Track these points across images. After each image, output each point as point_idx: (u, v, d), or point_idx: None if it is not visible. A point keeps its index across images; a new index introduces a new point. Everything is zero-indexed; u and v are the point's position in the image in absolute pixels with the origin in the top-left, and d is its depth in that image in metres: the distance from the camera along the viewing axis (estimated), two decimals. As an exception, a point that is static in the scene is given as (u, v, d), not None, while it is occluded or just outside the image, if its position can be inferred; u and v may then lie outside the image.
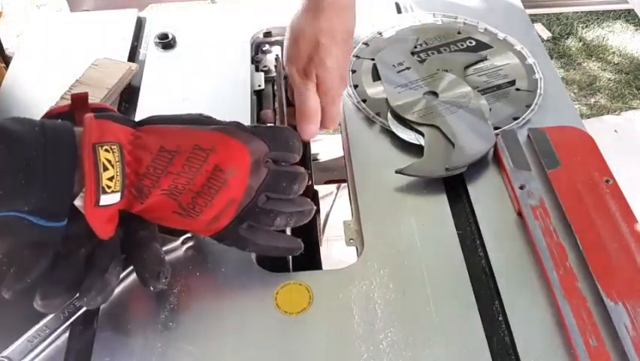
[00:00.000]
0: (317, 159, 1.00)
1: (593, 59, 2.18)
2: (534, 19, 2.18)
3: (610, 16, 2.33)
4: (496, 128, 0.65)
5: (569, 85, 2.07)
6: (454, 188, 0.61)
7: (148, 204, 0.48)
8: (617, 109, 2.01)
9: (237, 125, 0.50)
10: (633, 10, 2.28)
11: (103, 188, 0.45)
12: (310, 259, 0.75)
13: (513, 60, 0.74)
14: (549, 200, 0.57)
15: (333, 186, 1.29)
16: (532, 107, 0.68)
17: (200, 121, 0.51)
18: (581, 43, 2.24)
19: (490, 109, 0.68)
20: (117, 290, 0.53)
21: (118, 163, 0.45)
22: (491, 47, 0.76)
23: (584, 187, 0.58)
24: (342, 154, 0.67)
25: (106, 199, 0.45)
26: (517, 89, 0.70)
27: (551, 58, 1.88)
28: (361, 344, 0.49)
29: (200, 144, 0.48)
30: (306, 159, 0.62)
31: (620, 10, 2.33)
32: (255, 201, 0.50)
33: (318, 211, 0.76)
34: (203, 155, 0.47)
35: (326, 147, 1.01)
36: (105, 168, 0.45)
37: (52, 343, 0.50)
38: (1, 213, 0.44)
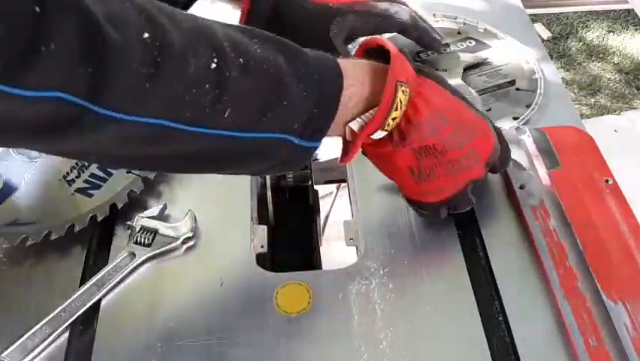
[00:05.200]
0: (317, 159, 1.00)
1: (593, 58, 2.18)
2: (534, 19, 2.18)
3: (610, 16, 2.33)
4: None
5: (569, 85, 2.07)
6: (454, 188, 0.61)
7: (395, 152, 0.49)
8: (617, 109, 2.01)
9: (490, 120, 0.54)
10: (633, 10, 2.28)
11: (385, 125, 0.46)
12: (310, 259, 0.75)
13: (513, 60, 0.74)
14: (549, 200, 0.57)
15: (333, 186, 1.29)
16: (532, 107, 0.68)
17: (462, 97, 0.52)
18: (581, 43, 2.24)
19: (490, 109, 0.68)
20: (117, 290, 0.53)
21: (404, 106, 0.47)
22: (491, 47, 0.76)
23: (584, 187, 0.58)
24: (342, 154, 0.67)
25: (379, 134, 0.47)
26: (517, 89, 0.70)
27: (551, 58, 1.88)
28: (361, 344, 0.49)
29: (468, 122, 0.51)
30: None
31: (620, 10, 2.33)
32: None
33: (318, 211, 0.76)
34: (469, 134, 0.50)
35: (326, 147, 1.01)
36: (396, 109, 0.46)
37: (52, 343, 0.50)
38: (268, 135, 0.42)
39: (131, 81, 0.34)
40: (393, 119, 0.47)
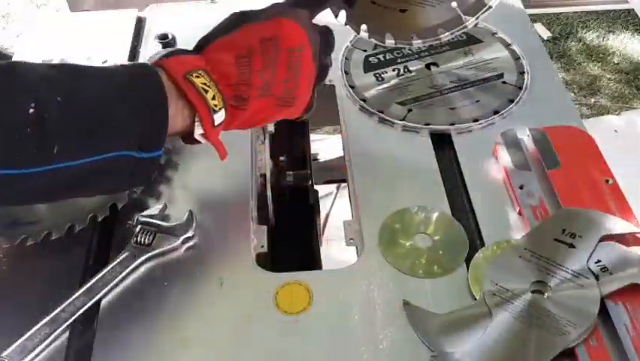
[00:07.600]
0: (317, 159, 1.00)
1: (593, 59, 2.18)
2: (534, 19, 2.17)
3: (610, 16, 2.33)
4: (474, 120, 0.66)
5: (569, 85, 2.07)
6: (455, 188, 0.61)
7: (250, 110, 0.50)
8: (617, 109, 2.01)
9: (277, 5, 0.54)
10: (633, 10, 2.28)
11: (212, 108, 0.47)
12: (310, 259, 0.75)
13: (502, 54, 0.74)
14: (549, 200, 0.57)
15: (333, 186, 1.29)
16: (516, 101, 0.68)
17: (247, 15, 0.53)
18: (581, 43, 2.24)
19: (479, 100, 0.68)
20: (117, 290, 0.53)
21: (212, 83, 0.48)
22: (482, 42, 0.76)
23: (584, 187, 0.58)
24: (342, 154, 0.67)
25: (218, 117, 0.48)
26: (504, 82, 0.71)
27: (551, 58, 1.88)
28: (361, 344, 0.49)
29: (264, 35, 0.51)
30: (306, 159, 0.62)
31: (620, 10, 2.33)
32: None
33: (318, 211, 0.76)
34: (273, 45, 0.51)
35: (326, 147, 1.01)
36: (205, 91, 0.47)
37: (52, 343, 0.50)
38: (109, 155, 0.43)
39: None
40: (213, 97, 0.48)
